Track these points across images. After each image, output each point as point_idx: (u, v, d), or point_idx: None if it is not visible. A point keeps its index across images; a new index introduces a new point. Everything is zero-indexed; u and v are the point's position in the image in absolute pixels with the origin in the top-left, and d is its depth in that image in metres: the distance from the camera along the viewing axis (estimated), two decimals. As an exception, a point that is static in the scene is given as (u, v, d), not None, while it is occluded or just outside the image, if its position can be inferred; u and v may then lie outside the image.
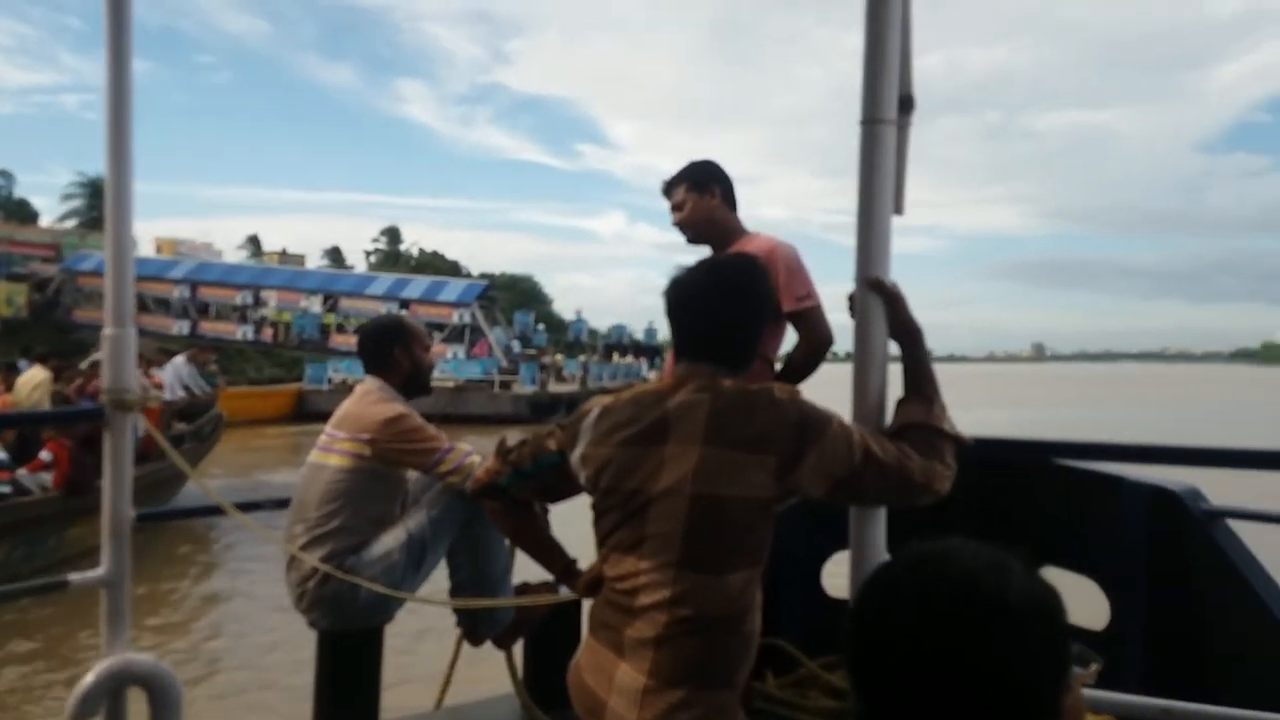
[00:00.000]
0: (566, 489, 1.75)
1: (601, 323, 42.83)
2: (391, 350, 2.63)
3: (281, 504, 2.63)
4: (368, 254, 67.47)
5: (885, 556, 1.74)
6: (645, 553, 1.53)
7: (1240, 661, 2.19)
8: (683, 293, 1.69)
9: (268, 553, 6.31)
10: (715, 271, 1.71)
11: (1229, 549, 2.18)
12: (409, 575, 2.44)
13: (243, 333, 32.29)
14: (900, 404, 1.69)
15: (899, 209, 1.73)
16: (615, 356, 37.64)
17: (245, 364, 36.10)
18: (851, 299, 1.74)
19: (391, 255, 65.87)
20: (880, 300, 1.69)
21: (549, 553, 1.92)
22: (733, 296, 1.67)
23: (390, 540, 2.43)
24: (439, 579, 2.62)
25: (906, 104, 1.71)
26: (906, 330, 1.71)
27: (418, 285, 34.12)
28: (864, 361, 1.72)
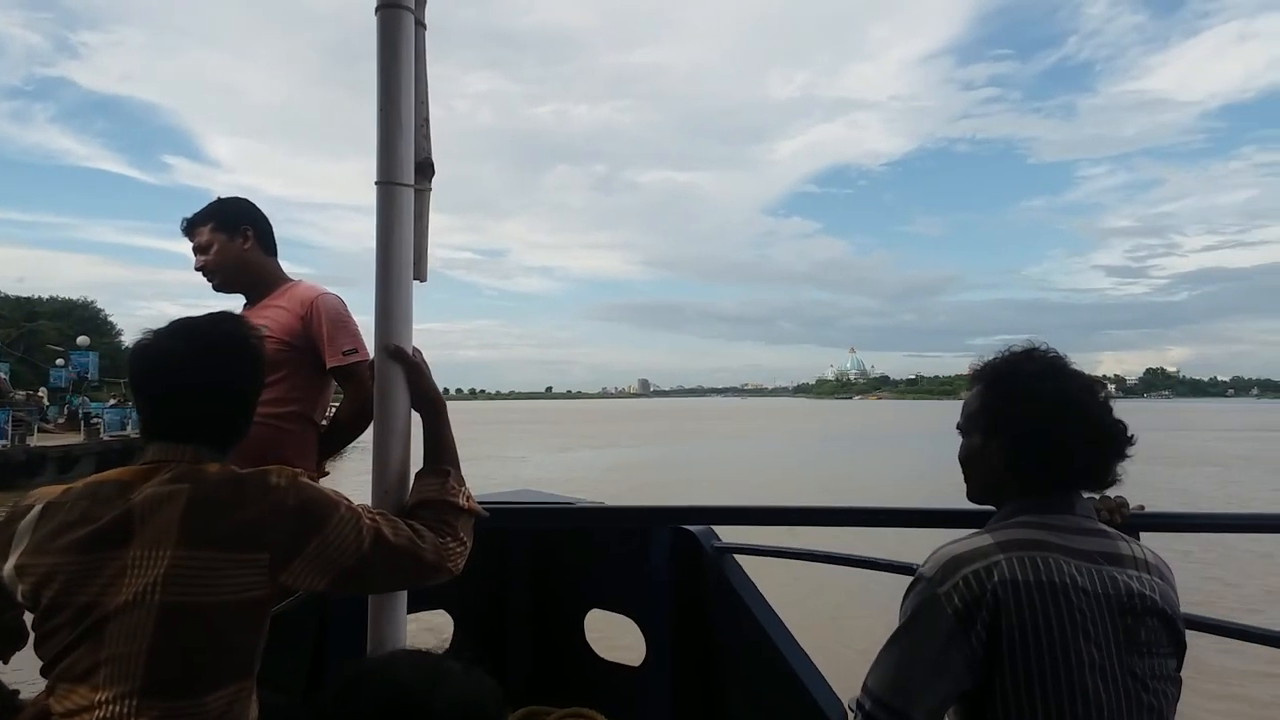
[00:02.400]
0: None
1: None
2: None
3: None
4: None
5: (405, 628, 1.67)
6: (101, 681, 1.26)
7: (744, 679, 2.47)
8: (151, 362, 1.44)
9: None
10: (189, 334, 1.47)
11: (734, 580, 2.48)
12: None
13: None
14: (418, 477, 1.62)
15: (420, 275, 1.67)
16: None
17: None
18: (372, 367, 1.66)
19: None
20: (401, 370, 1.62)
21: None
22: (213, 363, 1.45)
23: None
24: None
25: (425, 169, 1.67)
26: (428, 401, 1.65)
27: None
28: (384, 433, 1.64)
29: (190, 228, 2.50)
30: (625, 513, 2.71)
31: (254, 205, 2.55)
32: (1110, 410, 1.37)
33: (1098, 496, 1.56)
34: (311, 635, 2.44)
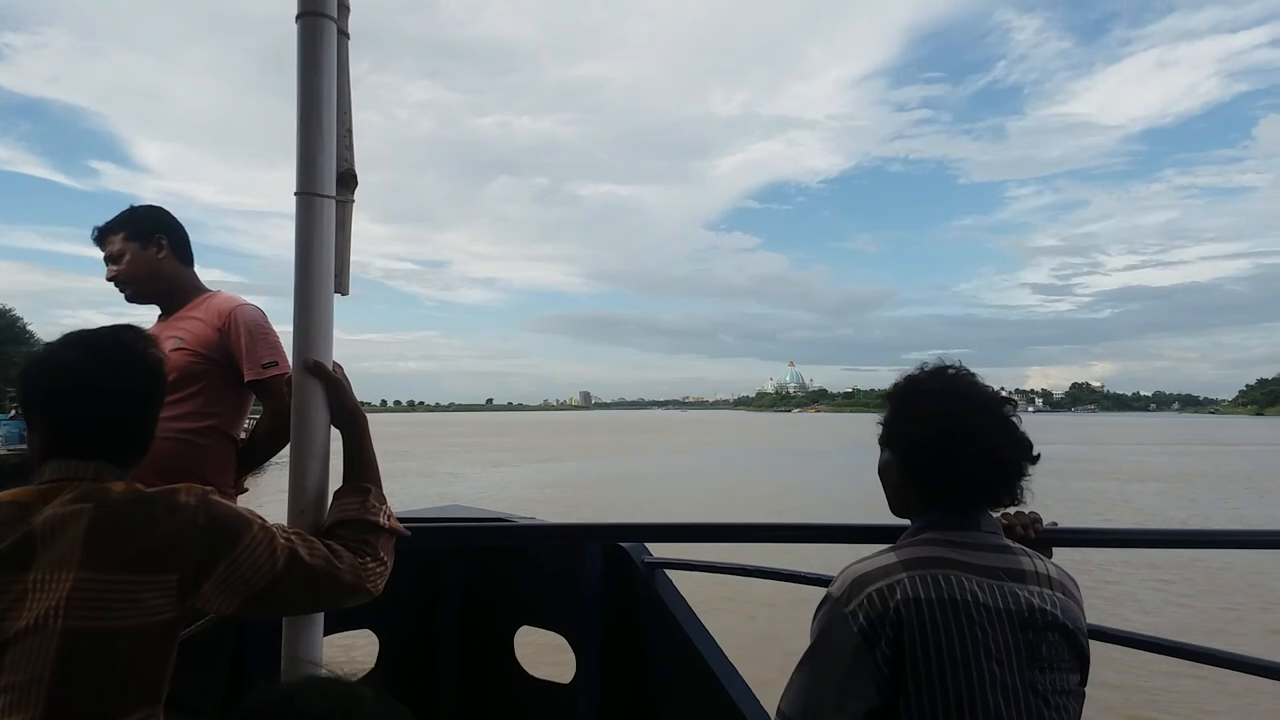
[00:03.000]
0: None
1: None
2: None
3: None
4: None
5: (322, 650, 1.62)
6: (1, 710, 1.21)
7: (673, 695, 2.47)
8: (48, 375, 1.38)
9: None
10: (87, 346, 1.41)
11: (665, 595, 2.48)
12: None
13: None
14: (337, 495, 1.59)
15: (342, 288, 1.64)
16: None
17: None
18: (289, 383, 1.62)
19: None
20: (320, 385, 1.58)
21: None
22: (114, 376, 1.39)
23: None
24: None
25: (348, 180, 1.64)
26: (349, 417, 1.61)
27: None
28: (302, 452, 1.60)
29: (102, 236, 2.41)
30: (557, 530, 2.69)
31: (169, 214, 2.48)
32: (1009, 428, 1.39)
33: (1012, 511, 1.59)
34: (227, 657, 2.37)
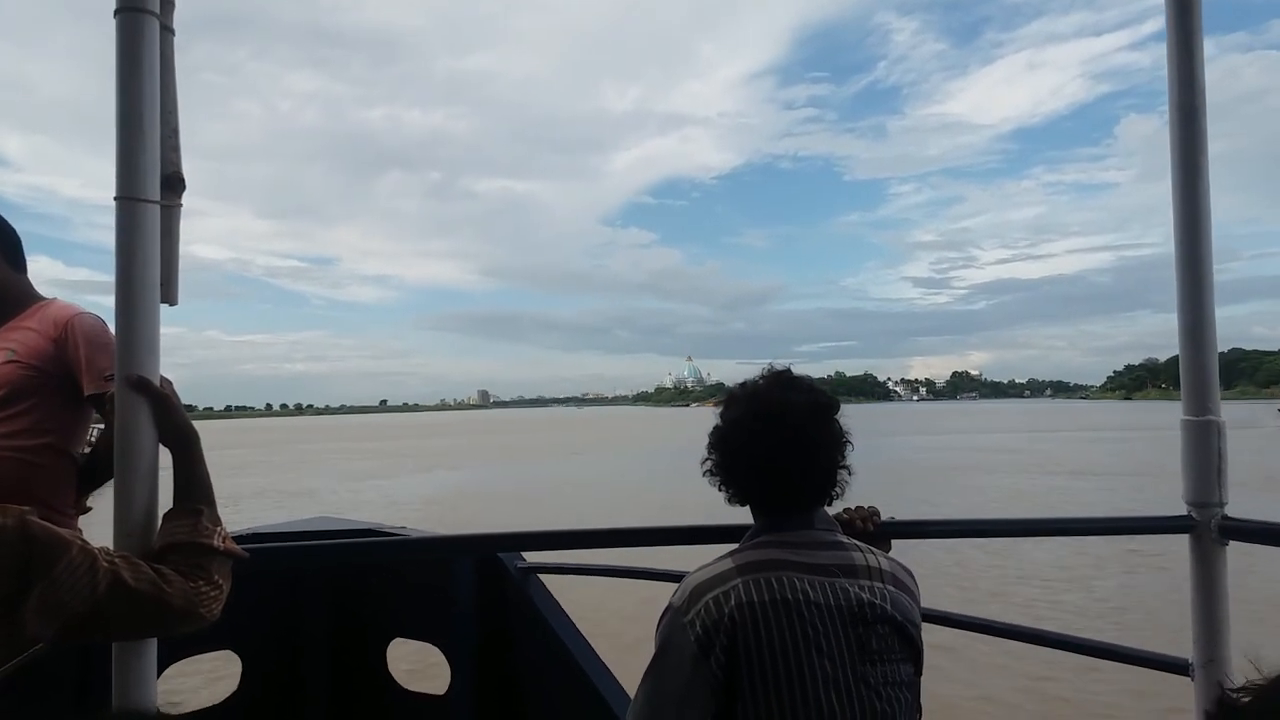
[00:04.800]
0: None
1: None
2: None
3: None
4: None
5: (153, 678, 1.54)
6: None
7: (548, 699, 2.47)
8: None
9: None
10: None
11: (539, 600, 2.48)
12: None
13: None
14: (166, 518, 1.51)
15: (170, 298, 1.56)
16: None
17: None
18: (113, 401, 1.53)
19: None
20: (147, 403, 1.50)
21: None
22: None
23: None
24: None
25: (175, 183, 1.55)
26: (179, 435, 1.53)
27: None
28: (127, 473, 1.51)
29: None
30: (429, 543, 2.65)
31: None
32: (807, 431, 1.40)
33: (853, 507, 1.65)
34: (70, 685, 2.23)
